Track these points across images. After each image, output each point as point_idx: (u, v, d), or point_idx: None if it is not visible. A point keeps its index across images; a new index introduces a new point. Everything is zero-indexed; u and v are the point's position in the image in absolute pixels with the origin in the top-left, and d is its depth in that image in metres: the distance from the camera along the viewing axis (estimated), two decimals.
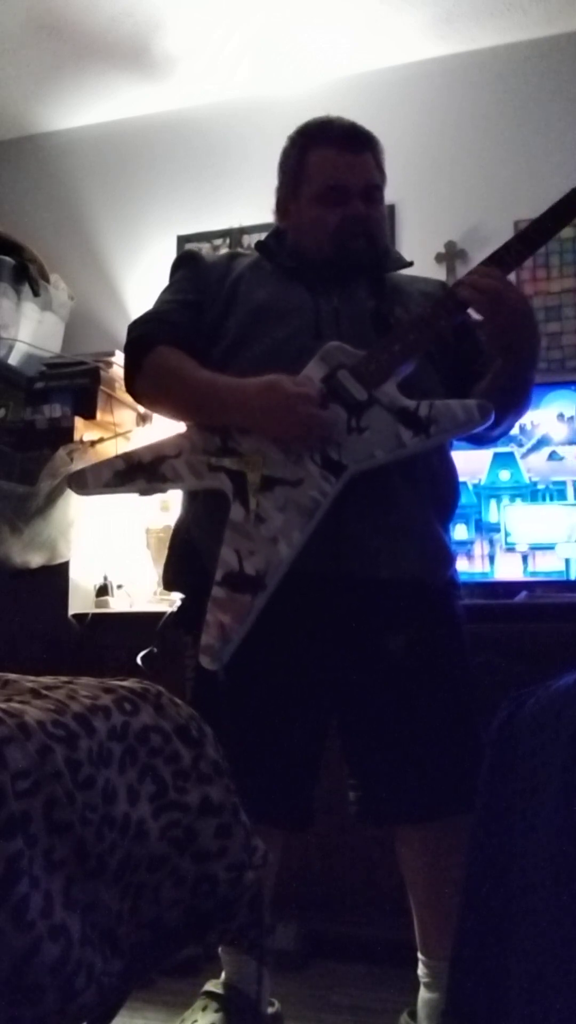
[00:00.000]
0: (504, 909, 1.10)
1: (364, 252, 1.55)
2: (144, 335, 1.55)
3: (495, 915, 1.12)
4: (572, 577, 2.22)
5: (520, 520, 2.28)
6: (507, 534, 2.26)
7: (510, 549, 2.26)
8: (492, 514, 2.30)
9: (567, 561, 2.23)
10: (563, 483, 2.28)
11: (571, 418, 2.30)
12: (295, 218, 1.59)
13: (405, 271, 1.66)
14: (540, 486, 2.30)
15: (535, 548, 2.25)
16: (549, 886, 1.00)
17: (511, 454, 2.30)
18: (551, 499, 2.28)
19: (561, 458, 2.30)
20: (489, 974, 1.11)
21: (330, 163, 1.55)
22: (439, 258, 2.75)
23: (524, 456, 2.31)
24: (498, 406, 1.43)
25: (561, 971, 0.97)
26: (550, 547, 2.25)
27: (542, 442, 2.31)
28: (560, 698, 1.10)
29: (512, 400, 1.51)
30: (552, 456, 2.30)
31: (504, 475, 2.31)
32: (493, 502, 2.29)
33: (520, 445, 2.30)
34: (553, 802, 1.02)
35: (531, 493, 2.30)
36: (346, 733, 1.50)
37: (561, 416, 2.31)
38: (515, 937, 1.07)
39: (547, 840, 1.02)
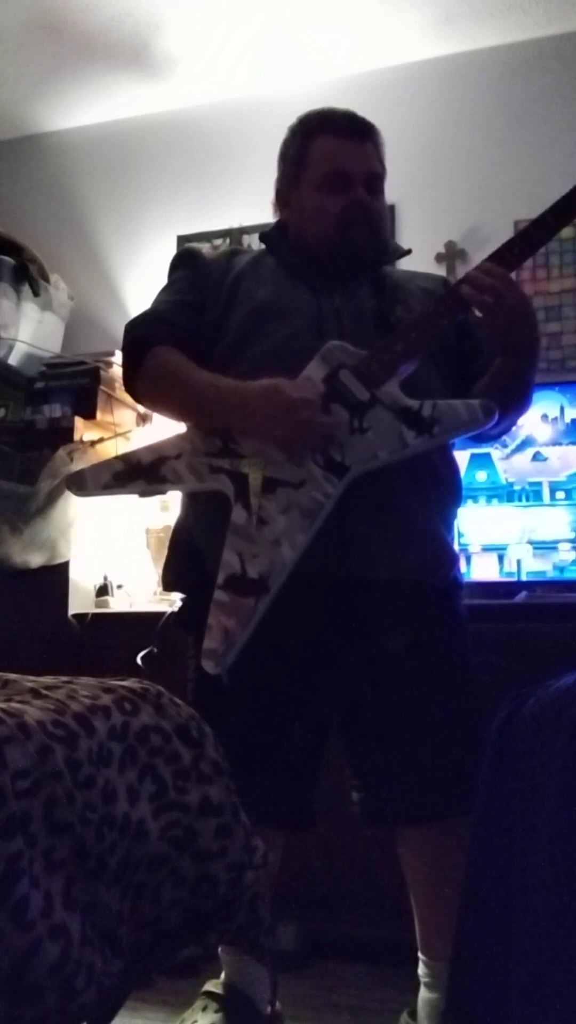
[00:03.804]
0: (504, 909, 1.10)
1: (367, 241, 1.53)
2: (143, 335, 1.53)
3: (495, 915, 1.13)
4: (524, 578, 2.24)
5: (473, 522, 2.30)
6: (459, 535, 2.26)
7: (463, 550, 2.27)
8: None
9: (518, 562, 2.25)
10: (539, 484, 2.29)
11: (555, 419, 2.31)
12: (296, 208, 1.57)
13: (406, 267, 1.66)
14: (517, 487, 2.30)
15: (487, 549, 2.26)
16: (549, 886, 1.00)
17: (488, 455, 2.31)
18: (527, 500, 2.28)
19: (545, 459, 2.30)
20: (489, 974, 1.11)
21: (333, 150, 1.53)
22: (439, 258, 2.75)
23: (508, 457, 2.31)
24: (499, 405, 1.43)
25: (561, 971, 0.98)
26: (502, 548, 2.27)
27: (526, 443, 2.32)
28: (560, 698, 1.10)
29: (512, 399, 1.50)
30: (536, 457, 2.31)
31: (481, 476, 2.31)
32: (470, 503, 2.30)
33: (504, 446, 2.31)
34: (553, 802, 1.02)
35: (507, 494, 2.31)
36: (348, 734, 1.50)
37: (545, 417, 2.31)
38: (515, 937, 1.07)
39: (547, 840, 1.02)
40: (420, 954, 1.51)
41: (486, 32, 2.76)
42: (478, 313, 1.42)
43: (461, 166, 2.81)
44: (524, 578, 2.24)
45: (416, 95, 2.86)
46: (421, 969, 1.50)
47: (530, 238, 1.44)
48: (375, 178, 1.56)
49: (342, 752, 1.51)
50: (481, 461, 2.31)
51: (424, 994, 1.49)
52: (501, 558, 2.26)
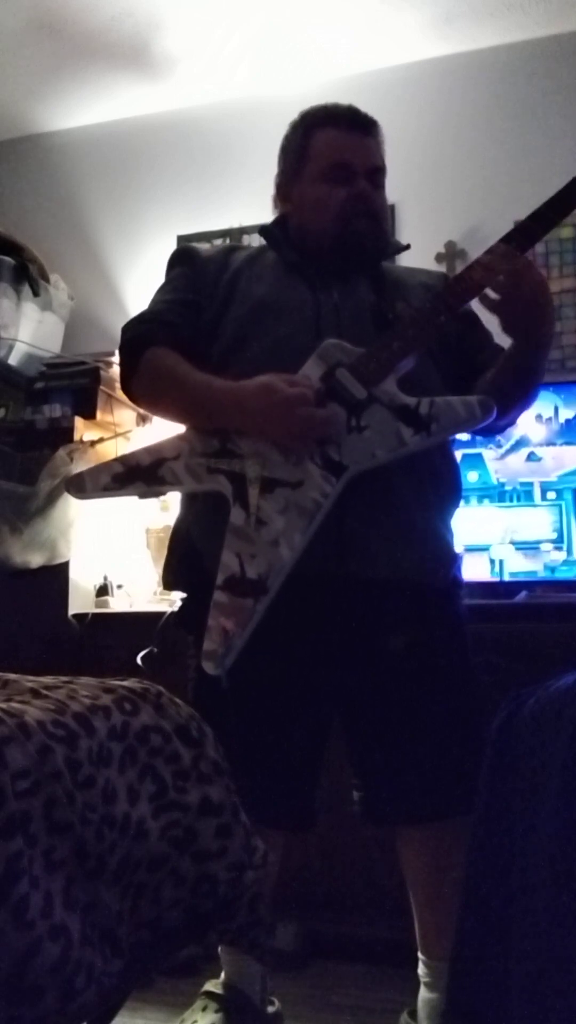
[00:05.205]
0: (504, 909, 1.10)
1: (368, 233, 1.53)
2: (140, 336, 1.53)
3: (495, 915, 1.13)
4: (506, 578, 2.24)
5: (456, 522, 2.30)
6: None
7: None
8: None
9: (501, 563, 2.25)
10: (530, 485, 2.28)
11: (549, 419, 2.31)
12: (297, 200, 1.57)
13: (405, 263, 1.65)
14: (508, 487, 2.30)
15: (470, 550, 2.25)
16: (549, 886, 1.00)
17: (479, 455, 2.31)
18: (518, 500, 2.28)
19: (539, 459, 2.30)
20: (489, 974, 1.11)
21: (335, 142, 1.53)
22: (439, 258, 2.75)
23: (502, 457, 2.31)
24: (508, 393, 1.42)
25: (561, 971, 0.98)
26: (485, 548, 2.26)
27: (520, 443, 2.32)
28: (560, 698, 1.10)
29: (523, 385, 1.49)
30: (530, 457, 2.30)
31: (472, 476, 2.31)
32: (461, 503, 2.30)
33: (499, 446, 2.31)
34: (553, 802, 1.02)
35: (499, 494, 2.30)
36: (348, 734, 1.50)
37: (539, 417, 2.31)
38: (515, 937, 1.07)
39: (547, 840, 1.02)
40: (420, 954, 1.51)
41: (486, 32, 2.76)
42: (494, 296, 1.40)
43: (461, 166, 2.81)
44: (506, 578, 2.24)
45: (416, 95, 2.86)
46: (421, 969, 1.50)
47: (527, 232, 1.43)
48: (377, 172, 1.56)
49: (344, 751, 1.51)
50: (473, 462, 2.31)
51: (424, 994, 1.49)
52: (492, 559, 2.27)
